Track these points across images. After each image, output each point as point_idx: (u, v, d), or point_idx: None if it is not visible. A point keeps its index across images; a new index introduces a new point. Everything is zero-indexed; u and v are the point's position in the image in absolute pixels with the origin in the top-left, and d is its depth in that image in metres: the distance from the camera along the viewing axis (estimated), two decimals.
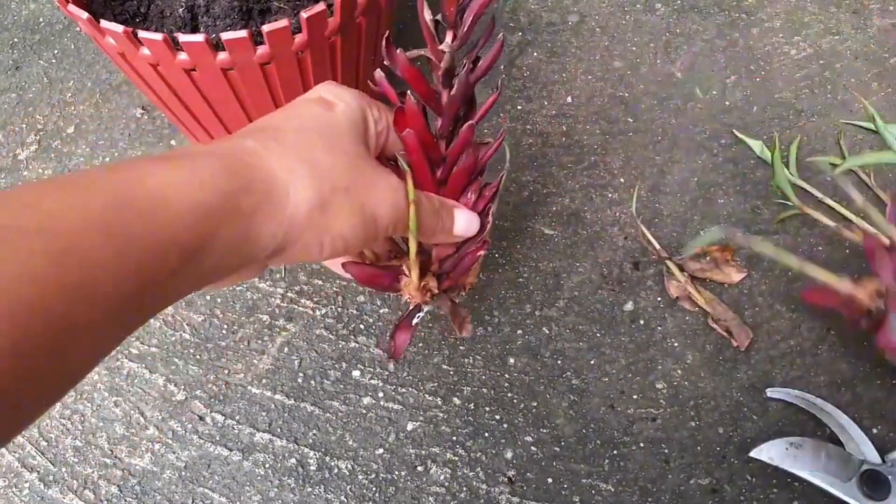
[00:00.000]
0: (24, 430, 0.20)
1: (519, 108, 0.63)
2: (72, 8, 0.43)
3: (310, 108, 0.30)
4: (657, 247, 0.54)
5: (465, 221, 0.36)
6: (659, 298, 0.53)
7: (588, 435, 0.48)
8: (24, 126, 0.65)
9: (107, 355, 0.23)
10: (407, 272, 0.38)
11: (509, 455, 0.48)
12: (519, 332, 0.52)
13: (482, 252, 0.39)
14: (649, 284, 0.54)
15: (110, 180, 0.22)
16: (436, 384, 0.51)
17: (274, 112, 0.31)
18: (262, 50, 0.43)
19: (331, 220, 0.27)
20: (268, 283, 0.55)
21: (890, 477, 0.42)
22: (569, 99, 0.64)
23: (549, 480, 0.47)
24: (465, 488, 0.47)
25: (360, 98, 0.32)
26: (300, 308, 0.54)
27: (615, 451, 0.48)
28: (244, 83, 0.45)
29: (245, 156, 0.26)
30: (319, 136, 0.28)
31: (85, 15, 0.42)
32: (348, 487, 0.47)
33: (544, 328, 0.52)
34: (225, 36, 0.41)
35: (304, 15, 0.42)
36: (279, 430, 0.49)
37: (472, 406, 0.50)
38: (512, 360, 0.51)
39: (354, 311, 0.54)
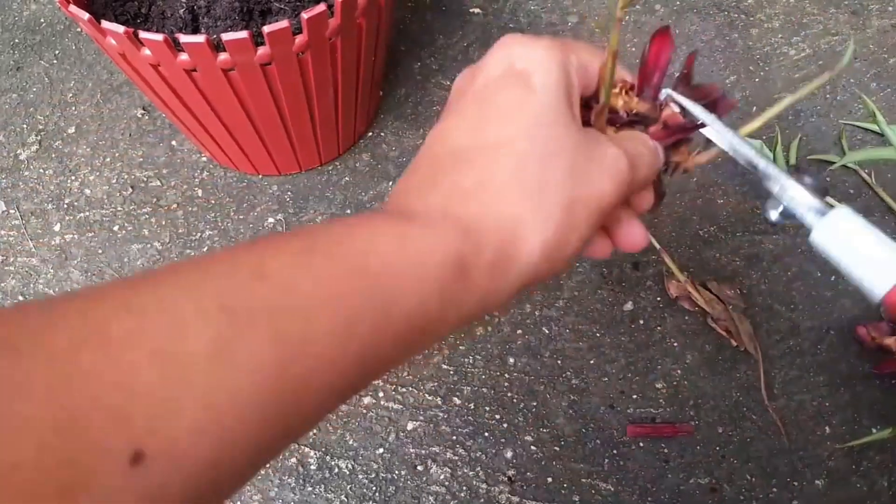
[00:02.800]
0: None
1: None
2: (73, 8, 0.43)
3: (507, 93, 0.25)
4: (657, 246, 0.54)
5: (661, 154, 0.30)
6: (658, 298, 0.53)
7: (588, 434, 0.49)
8: (24, 126, 0.65)
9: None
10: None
11: (509, 454, 0.48)
12: (519, 331, 0.52)
13: None
14: (649, 284, 0.54)
15: (339, 245, 0.20)
16: (436, 384, 0.51)
17: (466, 106, 0.26)
18: (262, 50, 0.43)
19: (565, 244, 0.24)
20: None
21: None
22: None
23: (549, 480, 0.47)
24: (465, 487, 0.47)
25: (556, 51, 0.26)
26: None
27: (615, 451, 0.48)
28: (245, 83, 0.46)
29: (465, 206, 0.23)
30: (531, 141, 0.24)
31: (86, 15, 0.42)
32: (348, 487, 0.47)
33: (544, 328, 0.52)
34: (226, 37, 0.41)
35: (304, 16, 0.42)
36: None
37: (472, 406, 0.50)
38: (512, 360, 0.51)
39: None
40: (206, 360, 0.16)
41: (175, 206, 0.59)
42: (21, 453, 0.13)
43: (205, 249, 0.57)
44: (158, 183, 0.61)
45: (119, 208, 0.60)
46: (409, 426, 0.49)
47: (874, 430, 0.48)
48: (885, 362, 0.49)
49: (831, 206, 0.28)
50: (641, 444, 0.48)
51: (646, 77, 0.30)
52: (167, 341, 0.15)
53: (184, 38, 0.41)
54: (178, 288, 0.17)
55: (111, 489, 0.14)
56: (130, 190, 0.61)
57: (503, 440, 0.49)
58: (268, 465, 0.48)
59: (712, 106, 0.31)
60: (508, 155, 0.24)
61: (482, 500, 0.47)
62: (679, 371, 0.50)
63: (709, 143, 0.30)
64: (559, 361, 0.51)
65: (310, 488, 0.47)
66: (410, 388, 0.51)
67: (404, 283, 0.21)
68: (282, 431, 0.18)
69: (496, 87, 0.25)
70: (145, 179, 0.61)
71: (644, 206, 0.30)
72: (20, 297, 0.56)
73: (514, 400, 0.50)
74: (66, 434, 0.13)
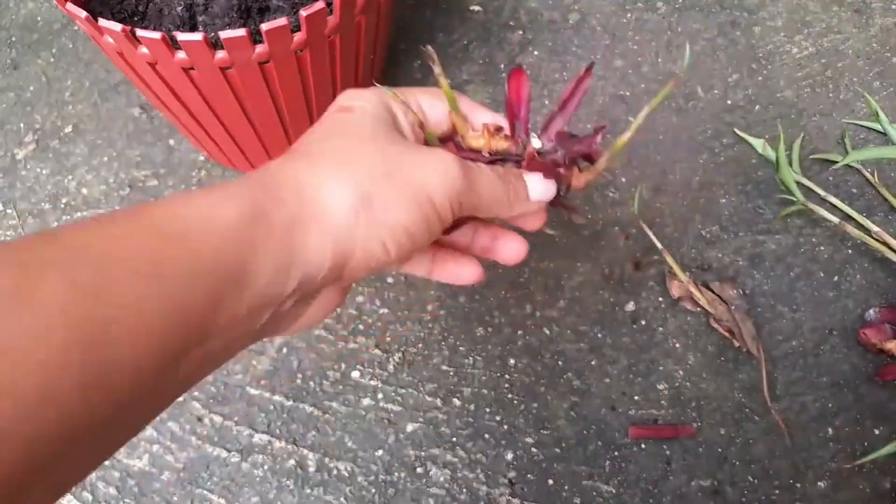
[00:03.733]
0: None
1: None
2: (70, 6, 0.43)
3: (329, 117, 0.29)
4: (659, 246, 0.54)
5: (541, 186, 0.32)
6: (660, 299, 0.53)
7: (589, 436, 0.48)
8: (22, 125, 0.65)
9: (138, 431, 0.20)
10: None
11: (510, 456, 0.48)
12: (519, 332, 0.52)
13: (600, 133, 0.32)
14: (651, 285, 0.53)
15: (132, 213, 0.21)
16: (436, 385, 0.50)
17: (300, 136, 0.30)
18: (260, 48, 0.43)
19: (381, 213, 0.25)
20: None
21: None
22: None
23: (550, 482, 0.47)
24: (465, 490, 0.47)
25: (381, 93, 0.30)
26: None
27: (616, 453, 0.48)
28: (243, 82, 0.45)
29: (269, 172, 0.25)
30: (344, 135, 0.27)
31: (83, 13, 0.42)
32: (347, 489, 0.47)
33: (545, 329, 0.52)
34: (223, 34, 0.41)
35: (303, 13, 0.41)
36: (278, 431, 0.49)
37: (472, 407, 0.49)
38: (512, 361, 0.51)
39: (353, 312, 0.53)
40: None
41: None
42: None
43: None
44: (156, 182, 0.60)
45: (117, 208, 0.59)
46: (409, 428, 0.49)
47: (876, 431, 0.47)
48: (887, 368, 0.49)
49: None
50: (643, 446, 0.48)
51: (513, 115, 0.33)
52: None
53: (181, 36, 0.41)
54: None
55: None
56: (128, 189, 0.60)
57: (503, 442, 0.48)
58: (265, 467, 0.48)
59: (585, 157, 0.33)
60: (321, 149, 0.27)
61: (482, 502, 0.46)
62: (681, 372, 0.50)
63: (591, 161, 0.33)
64: (560, 362, 0.51)
65: (308, 490, 0.47)
66: (410, 390, 0.50)
67: (199, 235, 0.21)
68: (99, 387, 0.17)
69: (324, 118, 0.30)
70: (143, 179, 0.61)
71: (530, 226, 0.34)
72: None
73: (515, 401, 0.50)
74: None
